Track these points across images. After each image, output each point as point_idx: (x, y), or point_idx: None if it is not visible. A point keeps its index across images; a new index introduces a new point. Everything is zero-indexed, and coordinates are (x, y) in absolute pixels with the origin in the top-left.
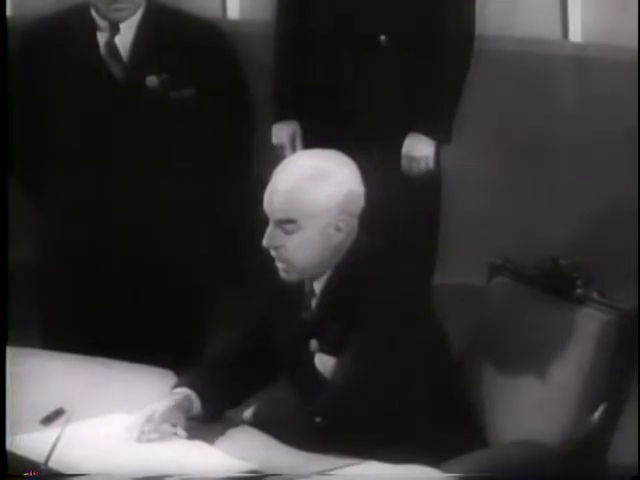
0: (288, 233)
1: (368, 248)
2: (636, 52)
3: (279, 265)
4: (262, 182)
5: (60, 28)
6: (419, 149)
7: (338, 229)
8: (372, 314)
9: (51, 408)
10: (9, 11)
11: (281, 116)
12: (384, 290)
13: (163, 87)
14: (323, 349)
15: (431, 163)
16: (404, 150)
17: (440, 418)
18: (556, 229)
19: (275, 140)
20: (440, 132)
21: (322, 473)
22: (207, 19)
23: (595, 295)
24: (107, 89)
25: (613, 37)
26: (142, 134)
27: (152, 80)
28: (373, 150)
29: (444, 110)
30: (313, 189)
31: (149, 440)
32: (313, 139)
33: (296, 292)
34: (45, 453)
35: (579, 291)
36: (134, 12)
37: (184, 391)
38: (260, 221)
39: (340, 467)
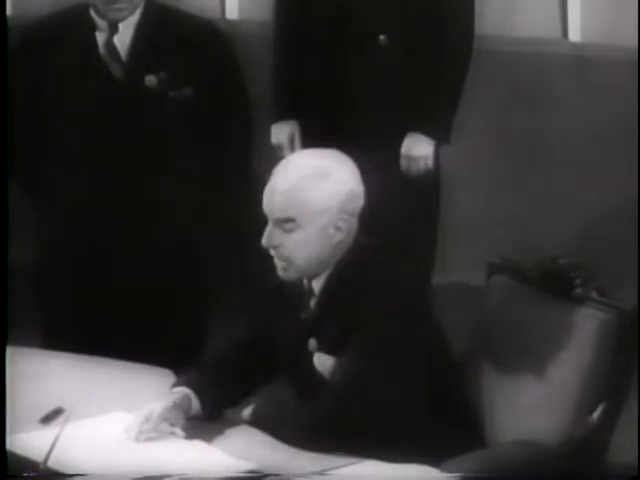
0: (287, 232)
1: (367, 248)
2: (636, 52)
3: (278, 263)
4: (261, 182)
5: (59, 28)
6: (418, 149)
7: (337, 228)
8: (371, 314)
9: (50, 407)
10: (9, 11)
11: (280, 116)
12: (383, 290)
13: (162, 87)
14: (322, 349)
15: (430, 163)
16: (403, 150)
17: (439, 418)
18: (555, 229)
19: (274, 140)
20: (439, 132)
21: (321, 473)
22: (206, 19)
23: (594, 294)
24: (106, 89)
25: (613, 36)
26: (141, 133)
27: (151, 80)
28: (372, 150)
29: (443, 110)
30: (313, 188)
31: (148, 440)
32: (312, 139)
33: (295, 292)
34: (44, 452)
35: (578, 291)
36: (133, 12)
37: (183, 390)
38: (259, 221)
39: (339, 466)
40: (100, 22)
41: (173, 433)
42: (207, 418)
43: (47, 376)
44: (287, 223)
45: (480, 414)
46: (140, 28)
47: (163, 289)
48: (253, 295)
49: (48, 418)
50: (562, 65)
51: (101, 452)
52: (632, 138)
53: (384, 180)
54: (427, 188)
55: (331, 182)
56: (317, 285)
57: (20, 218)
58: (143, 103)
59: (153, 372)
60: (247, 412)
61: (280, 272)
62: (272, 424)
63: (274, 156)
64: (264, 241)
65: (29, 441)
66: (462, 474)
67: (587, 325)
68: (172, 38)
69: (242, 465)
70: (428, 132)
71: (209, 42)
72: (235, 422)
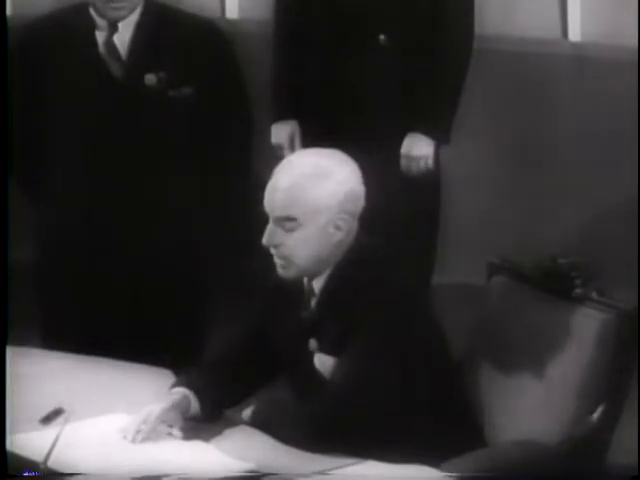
0: (288, 231)
1: (367, 247)
2: (636, 52)
3: (278, 262)
4: (261, 181)
5: (59, 27)
6: (418, 149)
7: (338, 228)
8: (371, 314)
9: (50, 408)
10: (9, 11)
11: (280, 116)
12: (383, 289)
13: (161, 86)
14: (322, 349)
15: (430, 163)
16: (403, 150)
17: (439, 418)
18: (555, 229)
19: (274, 140)
20: (439, 132)
21: (321, 473)
22: (206, 18)
23: (594, 294)
24: (106, 88)
25: (612, 36)
26: (141, 133)
27: (150, 79)
28: (372, 150)
29: (443, 110)
30: (314, 187)
31: (146, 440)
32: (312, 139)
33: (295, 291)
34: (44, 452)
35: (578, 290)
36: (132, 11)
37: (182, 391)
38: (259, 220)
39: (339, 467)
40: (100, 21)
41: (170, 434)
42: (206, 418)
43: (47, 376)
44: (288, 222)
45: (480, 414)
46: (140, 27)
47: (163, 289)
48: (253, 295)
49: (48, 418)
50: (562, 65)
51: (101, 452)
52: (632, 138)
53: (384, 180)
54: (427, 188)
55: (332, 181)
56: (317, 285)
57: (20, 218)
58: (143, 102)
59: (153, 372)
60: (247, 412)
61: (280, 270)
62: (272, 424)
63: (274, 156)
64: (265, 240)
65: (29, 441)
66: (462, 474)
67: (587, 325)
68: (172, 37)
69: (242, 465)
70: (428, 132)
71: (209, 41)
72: (235, 422)
